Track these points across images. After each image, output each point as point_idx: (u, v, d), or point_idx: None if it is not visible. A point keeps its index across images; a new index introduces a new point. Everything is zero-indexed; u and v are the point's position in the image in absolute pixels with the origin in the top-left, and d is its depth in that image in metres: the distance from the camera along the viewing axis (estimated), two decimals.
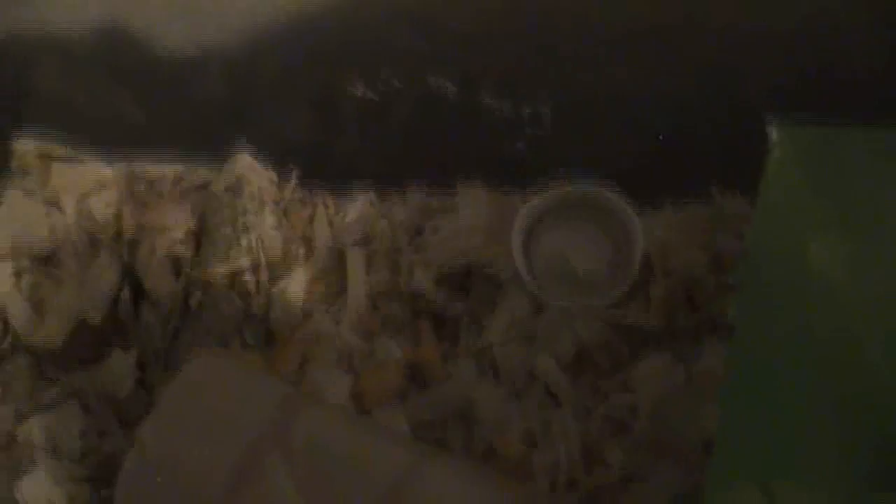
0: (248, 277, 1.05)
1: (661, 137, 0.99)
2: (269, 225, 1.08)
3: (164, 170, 1.12)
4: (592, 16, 0.98)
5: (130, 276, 1.07)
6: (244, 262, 1.06)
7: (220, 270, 1.06)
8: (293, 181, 1.10)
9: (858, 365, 0.76)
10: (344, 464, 0.86)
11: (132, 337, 1.05)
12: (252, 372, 0.95)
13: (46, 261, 1.10)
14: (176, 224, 1.08)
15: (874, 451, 0.73)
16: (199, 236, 1.08)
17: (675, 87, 1.00)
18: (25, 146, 1.14)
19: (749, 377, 0.78)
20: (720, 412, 0.77)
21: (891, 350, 0.76)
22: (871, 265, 0.78)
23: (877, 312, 0.77)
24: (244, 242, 1.06)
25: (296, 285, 1.05)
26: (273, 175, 1.10)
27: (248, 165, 1.09)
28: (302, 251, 1.08)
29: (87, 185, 1.12)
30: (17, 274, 1.09)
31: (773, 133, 0.82)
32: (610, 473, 0.94)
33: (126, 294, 1.07)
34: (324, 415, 0.90)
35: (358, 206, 1.09)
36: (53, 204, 1.11)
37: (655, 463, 0.94)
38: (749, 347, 0.78)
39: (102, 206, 1.10)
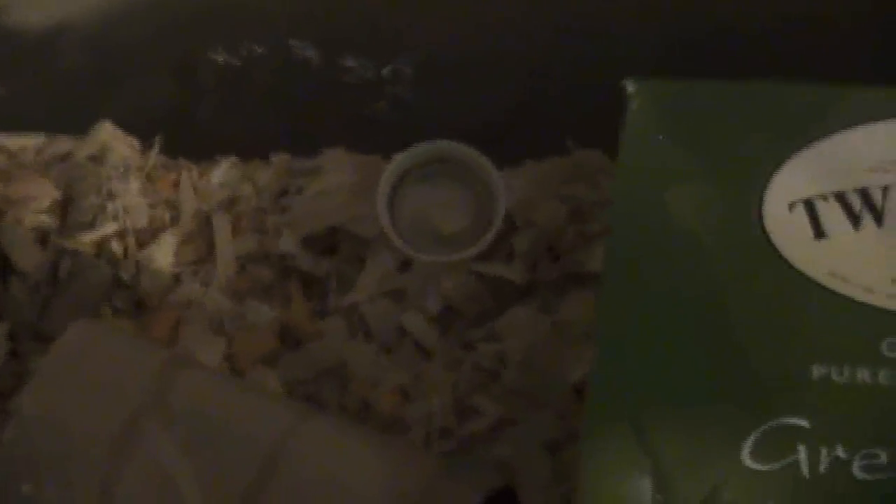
0: (115, 245, 1.06)
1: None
2: (134, 192, 1.09)
3: (26, 141, 1.11)
4: None
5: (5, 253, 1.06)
6: (110, 229, 1.07)
7: (86, 239, 1.07)
8: (156, 148, 1.10)
9: (720, 304, 0.80)
10: (225, 426, 0.88)
11: (1, 309, 1.04)
12: (129, 338, 0.97)
13: None
14: (40, 195, 1.08)
15: (739, 382, 0.77)
16: (65, 206, 1.07)
17: (532, 44, 1.03)
18: None
19: (619, 320, 0.81)
20: (594, 355, 0.80)
21: (747, 289, 0.79)
22: (725, 209, 0.82)
23: (733, 254, 0.81)
24: (110, 210, 1.07)
25: (163, 251, 1.06)
26: (136, 142, 1.10)
27: (110, 133, 1.10)
28: (168, 217, 1.09)
29: None
30: None
31: (630, 86, 0.86)
32: (482, 421, 0.96)
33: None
34: (202, 378, 0.92)
35: (222, 171, 1.10)
36: None
37: (526, 409, 0.96)
38: (617, 292, 0.82)
39: None
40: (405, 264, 1.03)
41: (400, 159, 1.04)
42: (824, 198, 0.82)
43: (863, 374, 0.77)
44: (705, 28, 1.02)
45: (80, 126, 1.12)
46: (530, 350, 0.99)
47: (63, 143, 1.12)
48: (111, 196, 1.08)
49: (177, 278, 1.07)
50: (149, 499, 0.87)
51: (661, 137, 0.87)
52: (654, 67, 0.90)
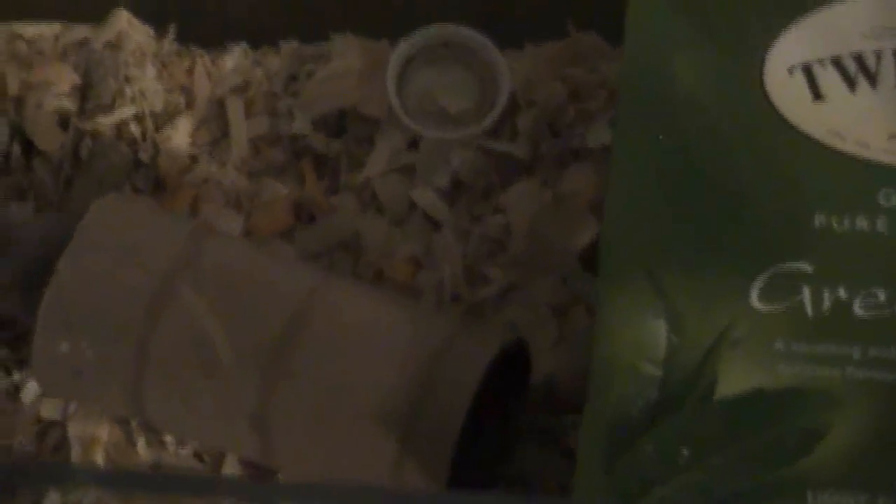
0: (133, 127, 1.11)
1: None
2: (150, 77, 1.13)
3: (44, 28, 1.15)
4: None
5: (19, 133, 1.11)
6: (128, 112, 1.11)
7: (106, 122, 1.11)
8: (170, 35, 1.15)
9: (725, 161, 0.86)
10: (253, 285, 0.94)
11: (26, 189, 1.09)
12: (156, 209, 1.01)
13: None
14: (59, 80, 1.12)
15: (745, 231, 0.83)
16: (84, 91, 1.12)
17: None
18: None
19: (630, 177, 0.87)
20: (605, 217, 0.86)
21: (750, 147, 0.86)
22: (728, 74, 0.88)
23: (736, 116, 0.87)
24: (127, 94, 1.12)
25: (179, 133, 1.11)
26: (151, 30, 1.15)
27: (125, 21, 1.14)
28: (183, 101, 1.13)
29: None
30: None
31: None
32: (491, 288, 1.02)
33: (16, 150, 1.10)
34: (228, 243, 0.98)
35: (234, 57, 1.14)
36: None
37: (532, 276, 1.01)
38: (628, 152, 0.88)
39: None
40: (413, 143, 1.08)
41: (407, 43, 1.09)
42: (822, 62, 0.88)
43: (861, 222, 0.83)
44: None
45: (96, 14, 1.14)
46: (534, 221, 1.04)
47: (80, 31, 1.16)
48: (128, 81, 1.12)
49: (194, 159, 1.11)
50: (182, 353, 0.93)
51: (665, 7, 0.91)
52: None
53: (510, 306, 1.03)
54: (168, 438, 0.99)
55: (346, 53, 1.12)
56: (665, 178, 0.87)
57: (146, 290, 0.93)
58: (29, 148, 1.11)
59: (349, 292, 0.93)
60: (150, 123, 1.11)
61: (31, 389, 1.01)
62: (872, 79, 0.87)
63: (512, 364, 0.91)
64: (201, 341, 0.92)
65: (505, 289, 1.03)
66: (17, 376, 1.02)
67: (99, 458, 0.99)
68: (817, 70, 0.87)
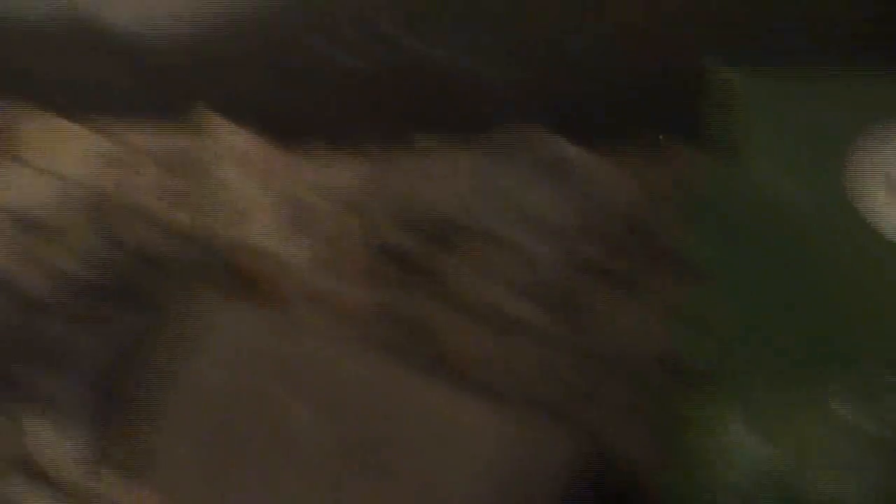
0: (223, 227, 1.12)
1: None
2: (238, 177, 1.15)
3: (139, 129, 1.18)
4: None
5: (112, 231, 1.13)
6: (219, 212, 1.13)
7: (196, 220, 1.12)
8: (259, 137, 1.17)
9: (815, 275, 0.87)
10: (348, 385, 1.00)
11: (120, 288, 1.11)
12: (246, 305, 1.04)
13: (30, 221, 1.14)
14: (153, 179, 1.14)
15: (832, 346, 0.84)
16: (175, 190, 1.14)
17: (613, 37, 1.09)
18: (4, 112, 1.19)
19: (710, 291, 0.88)
20: (691, 326, 0.87)
21: (839, 259, 0.86)
22: (817, 185, 0.90)
23: (827, 227, 0.88)
24: (217, 194, 1.13)
25: (268, 234, 1.13)
26: (240, 132, 1.17)
27: (216, 123, 1.16)
28: (269, 201, 1.15)
29: (65, 147, 1.17)
30: (8, 234, 1.13)
31: (719, 73, 0.92)
32: (569, 389, 1.03)
33: (108, 247, 1.12)
34: (322, 340, 1.04)
35: (320, 160, 1.19)
36: (32, 167, 1.16)
37: (611, 380, 1.03)
38: (715, 269, 0.89)
39: (80, 167, 1.16)
40: (495, 243, 1.11)
41: (489, 145, 1.10)
42: None
43: None
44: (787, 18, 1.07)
45: (187, 116, 1.17)
46: (615, 324, 1.05)
47: (176, 132, 1.18)
48: (218, 180, 1.14)
49: (281, 259, 1.12)
50: (273, 446, 0.96)
51: (751, 120, 0.92)
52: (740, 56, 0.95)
53: (596, 408, 1.01)
54: None
55: (434, 157, 1.16)
56: (754, 295, 0.87)
57: (244, 389, 0.95)
58: (118, 243, 1.11)
59: (441, 397, 0.94)
60: (239, 223, 1.12)
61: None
62: None
63: (593, 469, 0.90)
64: (298, 443, 0.91)
65: (583, 390, 1.02)
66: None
67: None
68: None
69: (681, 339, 0.96)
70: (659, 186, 1.10)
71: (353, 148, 1.17)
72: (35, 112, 1.19)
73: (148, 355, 0.97)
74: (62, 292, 1.10)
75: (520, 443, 0.91)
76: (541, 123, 1.10)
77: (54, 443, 1.03)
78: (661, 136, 1.02)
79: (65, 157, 1.16)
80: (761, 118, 0.94)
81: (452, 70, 1.12)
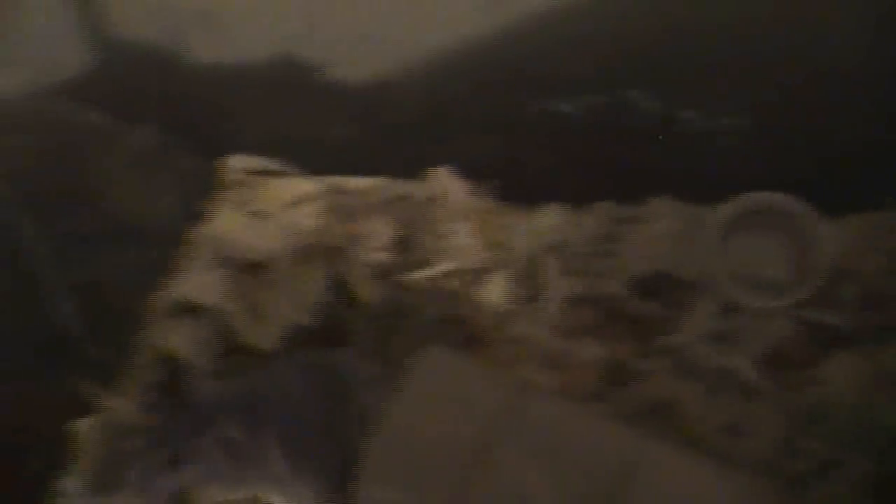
0: (449, 282, 1.12)
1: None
2: (467, 233, 1.14)
3: (368, 182, 1.19)
4: (780, 34, 1.05)
5: (338, 283, 1.14)
6: (445, 267, 1.13)
7: (423, 275, 1.12)
8: (488, 192, 1.17)
9: None
10: (575, 445, 0.94)
11: (345, 339, 1.11)
12: (476, 364, 1.02)
13: (257, 269, 1.16)
14: (380, 232, 1.14)
15: None
16: (403, 244, 1.14)
17: (854, 100, 1.07)
18: (235, 163, 1.21)
19: None
20: None
21: None
22: None
23: None
24: (445, 249, 1.13)
25: (494, 290, 1.12)
26: (469, 187, 1.17)
27: (445, 178, 1.17)
28: (499, 258, 1.14)
29: (293, 198, 1.19)
30: (231, 279, 1.15)
31: None
32: (809, 462, 1.00)
33: (335, 299, 1.13)
34: (551, 401, 0.98)
35: (550, 216, 1.16)
36: (262, 216, 1.18)
37: (850, 452, 0.99)
38: None
39: (308, 217, 1.17)
40: (729, 309, 1.07)
41: (726, 209, 1.08)
42: None
43: None
44: None
45: (417, 170, 1.17)
46: (854, 395, 1.01)
47: (401, 186, 1.18)
48: (446, 236, 1.13)
49: (508, 315, 1.11)
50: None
51: None
52: None
53: (828, 482, 0.98)
54: None
55: (662, 216, 1.13)
56: None
57: (468, 444, 0.93)
58: (350, 297, 1.12)
59: (671, 459, 0.93)
60: (465, 279, 1.11)
61: None
62: None
63: None
64: (522, 498, 0.90)
65: (822, 463, 0.98)
66: None
67: None
68: None
69: None
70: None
71: (585, 207, 1.14)
72: (271, 167, 1.20)
73: (373, 408, 0.95)
74: (290, 342, 1.10)
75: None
76: (778, 187, 1.06)
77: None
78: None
79: (298, 211, 1.16)
80: None
81: (697, 137, 1.07)
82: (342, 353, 1.09)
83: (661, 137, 1.05)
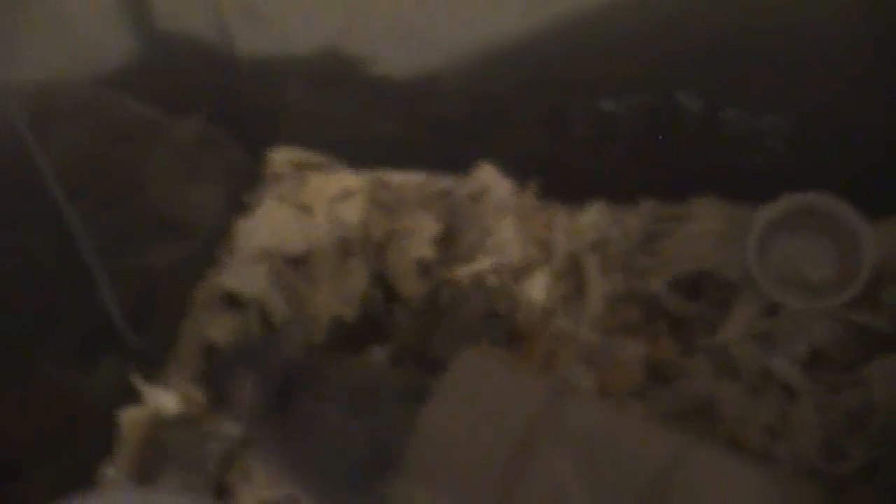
0: (491, 278, 1.12)
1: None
2: (509, 230, 1.15)
3: (410, 178, 1.19)
4: (823, 34, 1.05)
5: (381, 277, 1.14)
6: (487, 263, 1.13)
7: (465, 272, 1.13)
8: (531, 190, 1.17)
9: None
10: (615, 447, 0.93)
11: (386, 334, 1.12)
12: (514, 365, 1.02)
13: (300, 262, 1.17)
14: (422, 228, 1.15)
15: None
16: (446, 240, 1.15)
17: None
18: (279, 156, 1.22)
19: None
20: None
21: None
22: None
23: None
24: (487, 245, 1.14)
25: (536, 287, 1.12)
26: (511, 184, 1.17)
27: (489, 174, 1.17)
28: (541, 255, 1.14)
29: (337, 191, 1.19)
30: (273, 272, 1.15)
31: None
32: (850, 464, 1.00)
33: (377, 294, 1.13)
34: (590, 403, 0.98)
35: (592, 214, 1.16)
36: (305, 209, 1.19)
37: (892, 455, 0.99)
38: None
39: (352, 211, 1.17)
40: (771, 309, 1.07)
41: (769, 209, 1.08)
42: None
43: None
44: None
45: (460, 166, 1.17)
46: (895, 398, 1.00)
47: (445, 182, 1.19)
48: (488, 232, 1.14)
49: (549, 313, 1.12)
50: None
51: None
52: None
53: (869, 485, 0.98)
54: None
55: (705, 215, 1.13)
56: None
57: (506, 447, 0.93)
58: (391, 293, 1.12)
59: (711, 461, 0.92)
60: (507, 275, 1.12)
61: None
62: None
63: None
64: (561, 501, 0.90)
65: (865, 466, 0.98)
66: None
67: None
68: None
69: None
70: None
71: (628, 205, 1.15)
72: (315, 160, 1.20)
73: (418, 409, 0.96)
74: (334, 336, 1.10)
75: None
76: (822, 188, 1.06)
77: None
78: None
79: (342, 205, 1.17)
80: None
81: (741, 138, 1.07)
82: (380, 353, 1.08)
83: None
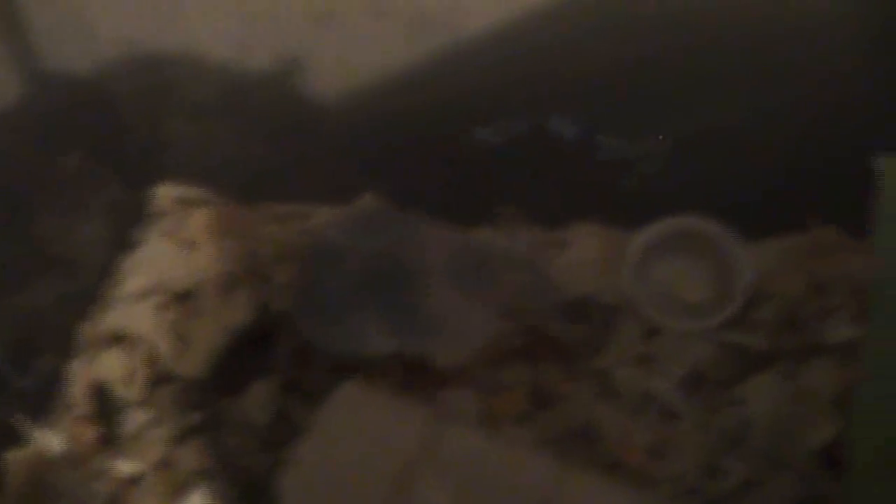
0: None
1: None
2: None
3: (291, 208, 1.20)
4: (698, 62, 1.07)
5: (266, 309, 1.15)
6: None
7: None
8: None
9: None
10: (494, 475, 0.94)
11: (270, 366, 1.12)
12: (393, 396, 1.03)
13: (185, 296, 1.17)
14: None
15: None
16: None
17: (775, 127, 1.09)
18: (163, 192, 1.22)
19: (883, 384, 0.86)
20: (855, 418, 0.85)
21: None
22: None
23: None
24: None
25: None
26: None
27: (371, 204, 1.18)
28: None
29: (221, 224, 1.19)
30: (159, 309, 1.16)
31: (882, 163, 0.91)
32: (729, 482, 1.01)
33: (263, 325, 1.14)
34: (470, 431, 0.99)
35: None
36: (190, 244, 1.19)
37: (771, 472, 1.01)
38: (882, 358, 0.87)
39: (236, 245, 1.18)
40: (651, 332, 1.09)
41: (647, 233, 1.10)
42: None
43: None
44: None
45: (345, 195, 1.19)
46: (774, 415, 1.02)
47: (328, 212, 1.20)
48: None
49: None
50: None
51: None
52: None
53: (750, 502, 0.99)
54: None
55: (585, 241, 1.14)
56: None
57: (385, 479, 0.95)
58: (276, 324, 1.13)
59: (590, 486, 0.93)
60: None
61: None
62: None
63: None
64: None
65: (743, 483, 1.01)
66: None
67: None
68: None
69: (843, 430, 0.93)
70: (819, 276, 1.07)
71: (509, 231, 1.16)
72: (199, 195, 1.21)
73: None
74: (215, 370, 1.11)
75: None
76: (699, 211, 1.08)
77: None
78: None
79: (225, 238, 1.17)
80: None
81: (616, 159, 1.09)
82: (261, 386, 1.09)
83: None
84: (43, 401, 1.12)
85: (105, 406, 1.13)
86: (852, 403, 0.87)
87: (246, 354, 1.13)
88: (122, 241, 1.21)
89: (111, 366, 1.14)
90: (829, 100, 1.08)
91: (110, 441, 1.10)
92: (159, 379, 1.12)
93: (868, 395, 0.86)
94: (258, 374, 1.12)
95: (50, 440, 1.08)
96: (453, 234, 1.02)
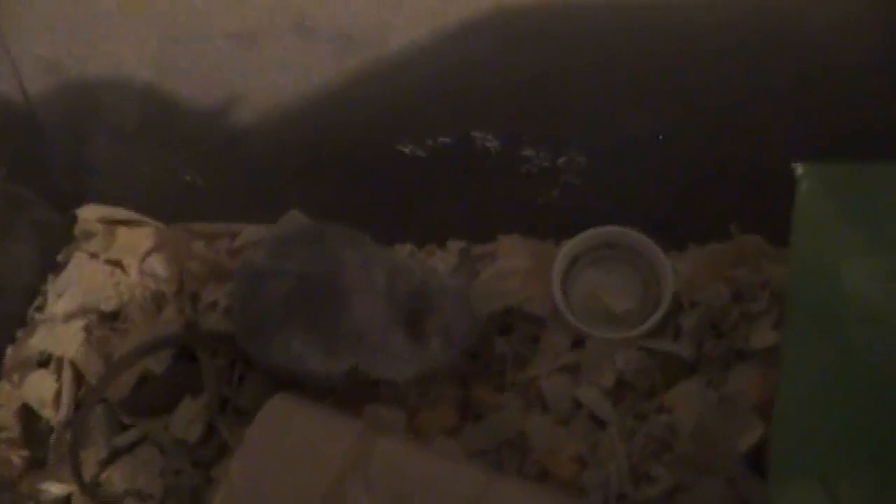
0: None
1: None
2: None
3: (217, 228, 1.20)
4: (618, 75, 1.08)
5: (194, 328, 1.15)
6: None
7: None
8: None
9: None
10: (422, 486, 0.95)
11: (200, 385, 1.12)
12: (323, 410, 1.03)
13: (113, 317, 1.17)
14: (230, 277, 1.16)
15: None
16: None
17: (697, 136, 1.10)
18: (88, 213, 1.22)
19: (801, 389, 0.88)
20: (775, 422, 0.87)
21: None
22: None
23: None
24: None
25: None
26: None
27: (296, 221, 1.18)
28: None
29: (148, 245, 1.19)
30: (87, 330, 1.16)
31: (799, 169, 0.93)
32: (656, 487, 1.02)
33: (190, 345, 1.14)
34: (399, 443, 0.99)
35: (401, 255, 1.18)
36: (117, 264, 1.19)
37: (697, 477, 1.02)
38: (798, 363, 0.88)
39: (163, 264, 1.18)
40: (578, 342, 1.10)
41: (572, 244, 1.11)
42: None
43: None
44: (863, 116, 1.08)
45: (271, 214, 1.19)
46: (699, 421, 1.03)
47: (255, 232, 1.20)
48: None
49: None
50: None
51: (829, 216, 0.92)
52: (815, 152, 0.96)
53: None
54: None
55: (512, 252, 1.14)
56: (838, 384, 0.85)
57: (316, 492, 0.95)
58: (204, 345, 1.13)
59: (518, 494, 0.94)
60: None
61: None
62: None
63: None
64: None
65: (671, 489, 1.02)
66: None
67: None
68: None
69: (767, 435, 0.94)
70: (742, 283, 1.09)
71: (436, 246, 1.16)
72: (125, 216, 1.21)
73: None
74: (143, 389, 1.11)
75: None
76: (623, 222, 1.09)
77: None
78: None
79: (151, 259, 1.18)
80: (846, 210, 0.93)
81: (540, 175, 1.10)
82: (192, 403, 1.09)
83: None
84: None
85: (33, 429, 1.12)
86: (774, 408, 0.88)
87: (175, 373, 1.12)
88: (48, 264, 1.20)
89: (38, 388, 1.13)
90: (754, 109, 1.07)
91: (39, 463, 1.09)
92: (86, 400, 1.10)
93: (786, 400, 0.86)
94: (187, 393, 1.10)
95: None
96: (380, 252, 1.03)
